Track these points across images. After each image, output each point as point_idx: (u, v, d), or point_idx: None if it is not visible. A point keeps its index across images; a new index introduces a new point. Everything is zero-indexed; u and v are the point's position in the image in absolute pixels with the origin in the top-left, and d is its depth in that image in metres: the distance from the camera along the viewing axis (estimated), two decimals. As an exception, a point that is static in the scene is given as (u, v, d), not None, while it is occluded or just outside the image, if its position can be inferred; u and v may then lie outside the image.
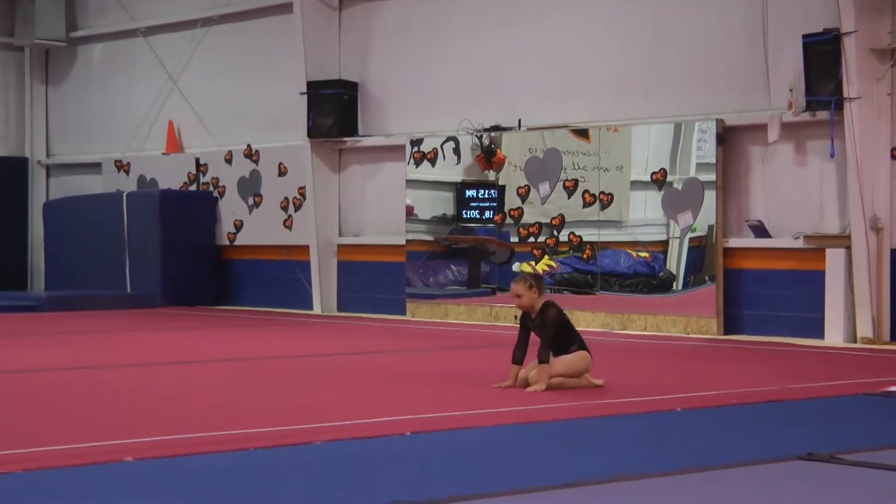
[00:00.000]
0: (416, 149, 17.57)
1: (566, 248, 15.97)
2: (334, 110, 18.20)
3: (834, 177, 14.16)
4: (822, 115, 13.94)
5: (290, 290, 19.40)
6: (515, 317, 16.03)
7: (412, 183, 17.69)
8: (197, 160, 20.76)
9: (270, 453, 6.61)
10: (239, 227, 20.16)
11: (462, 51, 17.51)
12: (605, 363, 11.39)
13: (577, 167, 15.88)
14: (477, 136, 16.79)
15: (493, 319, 16.45)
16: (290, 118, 18.99)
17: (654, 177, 15.19)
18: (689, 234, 14.91)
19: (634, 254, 15.39)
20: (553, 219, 16.08)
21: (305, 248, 18.92)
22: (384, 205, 18.27)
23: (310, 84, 18.30)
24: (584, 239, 15.79)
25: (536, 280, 9.23)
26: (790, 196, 14.49)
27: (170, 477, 6.02)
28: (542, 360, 9.02)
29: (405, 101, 18.10)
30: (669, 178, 15.07)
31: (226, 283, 20.38)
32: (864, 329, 13.62)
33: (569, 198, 15.97)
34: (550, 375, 9.04)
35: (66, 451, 6.55)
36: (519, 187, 16.44)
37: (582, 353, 9.22)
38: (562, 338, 9.18)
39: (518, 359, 9.20)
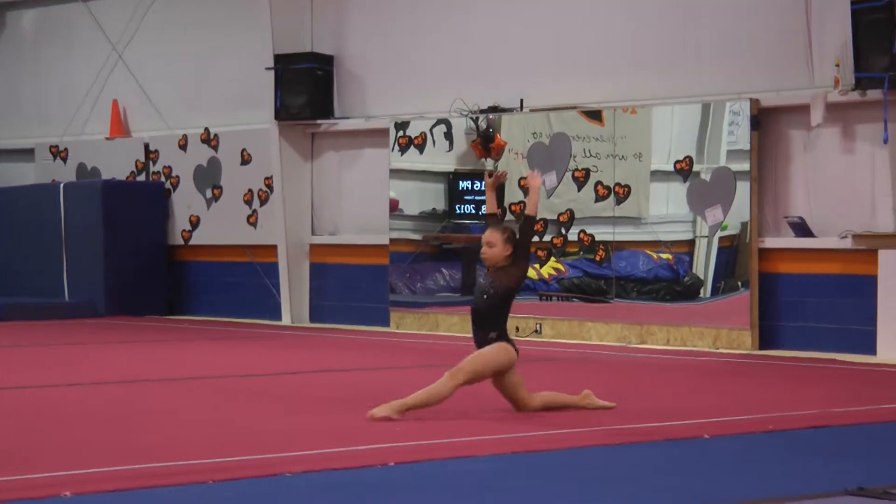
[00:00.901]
0: (401, 133, 17.59)
1: (576, 249, 15.99)
2: (306, 88, 18.19)
3: (888, 165, 14.18)
4: (874, 94, 13.97)
5: (255, 297, 19.39)
6: (517, 328, 16.09)
7: (397, 173, 17.70)
8: (146, 146, 20.75)
9: (233, 487, 6.62)
10: (195, 223, 20.16)
11: (455, 19, 17.51)
12: (620, 382, 11.41)
13: (588, 155, 15.90)
14: (472, 118, 16.81)
15: (490, 332, 16.46)
16: (254, 97, 18.98)
17: (679, 166, 15.21)
18: (719, 233, 14.94)
19: (655, 255, 15.41)
20: (560, 215, 16.10)
21: (273, 249, 18.91)
22: (364, 198, 18.28)
23: (277, 58, 18.30)
24: (597, 238, 15.82)
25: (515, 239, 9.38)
26: (836, 188, 14.51)
27: (114, 514, 6.04)
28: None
29: (389, 78, 18.10)
30: (696, 168, 15.10)
31: (179, 290, 20.37)
32: (923, 343, 13.67)
33: (579, 190, 15.99)
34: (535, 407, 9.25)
35: (-7, 485, 6.56)
36: (521, 178, 16.46)
37: (502, 344, 9.19)
38: (493, 313, 9.20)
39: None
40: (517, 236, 9.30)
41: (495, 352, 9.15)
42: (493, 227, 9.35)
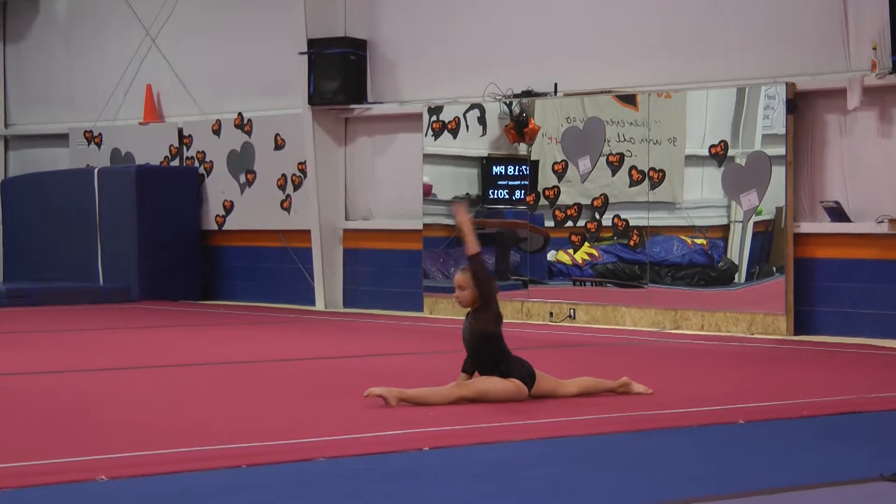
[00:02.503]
0: (434, 118, 17.59)
1: (610, 234, 15.97)
2: (339, 73, 18.22)
3: (924, 150, 14.14)
4: (911, 77, 13.93)
5: (289, 282, 19.44)
6: (551, 314, 16.09)
7: (430, 158, 17.70)
8: (180, 131, 20.81)
9: (265, 472, 6.64)
10: (229, 208, 20.21)
11: (489, 4, 17.49)
12: (655, 368, 11.40)
13: (622, 139, 15.88)
14: (506, 102, 16.80)
15: (524, 317, 16.48)
16: (287, 82, 19.02)
17: (713, 150, 15.17)
18: (754, 218, 14.90)
19: (689, 241, 15.38)
20: (594, 200, 16.09)
21: (306, 234, 18.96)
22: (397, 183, 18.29)
23: (311, 42, 18.32)
24: (631, 223, 15.79)
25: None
26: (873, 173, 14.45)
27: (149, 498, 6.07)
28: (466, 369, 9.10)
29: (422, 63, 18.10)
30: (731, 152, 15.05)
31: (213, 275, 20.44)
32: (960, 329, 13.62)
33: (613, 175, 15.97)
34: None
35: (29, 469, 6.60)
36: (555, 163, 16.45)
37: (517, 383, 9.01)
38: (484, 356, 9.08)
39: (468, 367, 9.19)
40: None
41: (506, 387, 9.00)
42: (462, 269, 9.15)
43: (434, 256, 17.53)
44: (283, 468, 6.73)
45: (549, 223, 16.44)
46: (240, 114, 20.01)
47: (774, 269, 14.77)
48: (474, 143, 17.21)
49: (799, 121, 14.74)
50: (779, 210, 14.72)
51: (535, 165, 16.61)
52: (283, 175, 19.48)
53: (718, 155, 15.12)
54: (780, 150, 14.67)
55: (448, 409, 8.75)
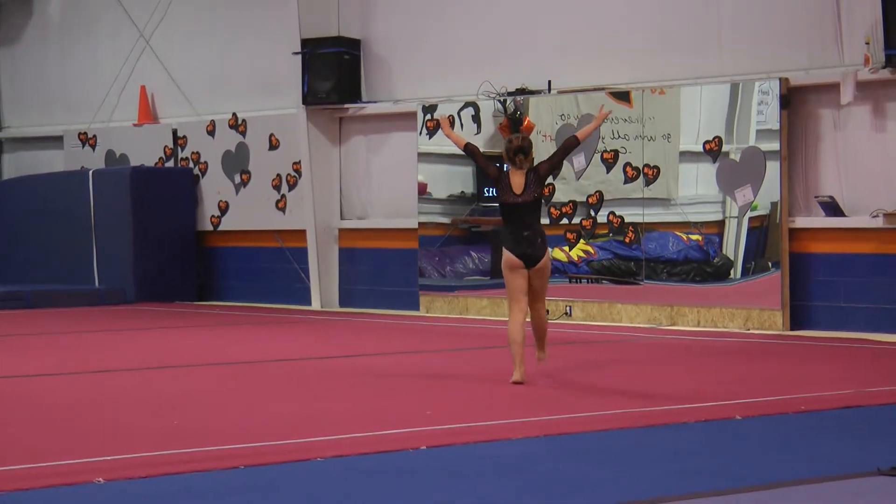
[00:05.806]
0: (429, 116, 17.59)
1: (605, 231, 15.98)
2: (333, 72, 18.21)
3: (918, 144, 14.14)
4: (905, 71, 13.93)
5: (285, 282, 19.43)
6: (547, 311, 16.07)
7: (425, 156, 17.71)
8: (174, 132, 20.79)
9: (262, 472, 6.64)
10: (224, 209, 20.21)
11: (482, 2, 17.48)
12: (651, 364, 11.42)
13: (616, 136, 15.88)
14: (500, 100, 16.80)
15: (520, 315, 16.46)
16: (281, 82, 19.01)
17: (708, 146, 15.18)
18: (749, 213, 14.90)
19: (685, 236, 15.38)
20: (590, 196, 16.09)
21: (302, 234, 18.96)
22: (393, 182, 18.29)
23: (304, 42, 18.31)
24: (626, 220, 15.80)
25: None
26: (867, 167, 14.45)
27: (146, 500, 6.07)
28: None
29: (416, 62, 18.09)
30: (725, 148, 15.06)
31: (209, 276, 20.43)
32: (956, 322, 13.61)
33: (608, 172, 15.97)
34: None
35: (25, 472, 6.59)
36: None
37: None
38: None
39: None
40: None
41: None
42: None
43: (430, 255, 17.53)
44: (281, 468, 6.73)
45: (545, 221, 16.42)
46: (234, 114, 20.00)
47: (770, 264, 14.77)
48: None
49: (793, 116, 14.75)
50: (774, 205, 14.73)
51: (529, 163, 16.60)
52: (278, 175, 19.47)
53: (713, 151, 15.13)
54: (775, 146, 14.67)
55: (445, 408, 8.75)
